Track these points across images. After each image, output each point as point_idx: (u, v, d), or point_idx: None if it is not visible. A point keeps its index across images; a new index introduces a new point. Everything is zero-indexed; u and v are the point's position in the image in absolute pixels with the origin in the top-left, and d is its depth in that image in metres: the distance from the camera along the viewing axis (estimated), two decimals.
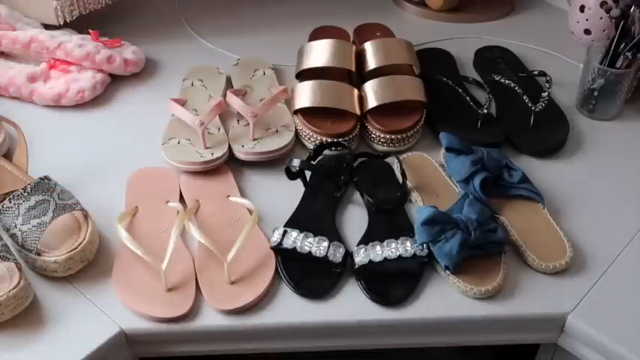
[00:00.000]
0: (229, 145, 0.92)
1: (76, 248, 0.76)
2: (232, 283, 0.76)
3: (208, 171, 0.90)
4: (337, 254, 0.78)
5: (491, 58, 1.14)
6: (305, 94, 0.96)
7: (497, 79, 1.03)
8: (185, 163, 0.89)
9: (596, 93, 1.00)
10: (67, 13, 1.10)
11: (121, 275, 0.77)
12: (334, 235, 0.81)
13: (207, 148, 0.91)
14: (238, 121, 0.96)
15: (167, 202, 0.86)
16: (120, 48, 1.09)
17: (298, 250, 0.78)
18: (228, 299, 0.75)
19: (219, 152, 0.90)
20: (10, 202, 0.79)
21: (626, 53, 0.98)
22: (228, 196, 0.87)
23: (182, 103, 0.99)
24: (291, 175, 0.88)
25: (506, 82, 1.01)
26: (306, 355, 0.80)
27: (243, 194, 0.88)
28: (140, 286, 0.76)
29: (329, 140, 0.92)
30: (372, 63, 1.01)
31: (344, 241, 0.81)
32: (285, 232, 0.80)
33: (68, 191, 0.83)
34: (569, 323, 0.76)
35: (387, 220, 0.84)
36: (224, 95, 1.01)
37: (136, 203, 0.86)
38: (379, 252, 0.78)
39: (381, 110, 0.95)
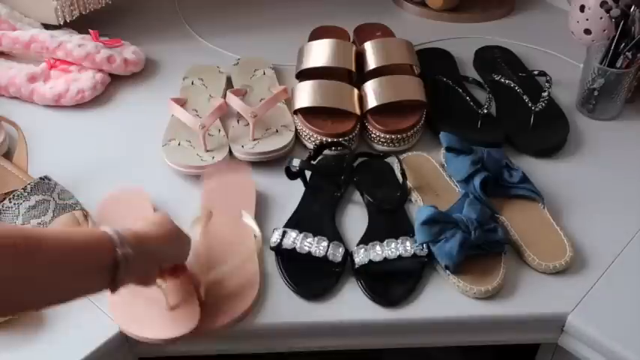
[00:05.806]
0: (230, 148, 0.92)
1: None
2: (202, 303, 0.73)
3: (235, 183, 0.87)
4: (337, 254, 0.78)
5: (491, 58, 1.14)
6: (305, 94, 0.96)
7: (497, 79, 1.03)
8: (186, 166, 0.89)
9: (596, 93, 1.00)
10: (67, 13, 1.10)
11: (120, 304, 0.73)
12: (334, 235, 0.81)
13: (208, 150, 0.91)
14: (238, 121, 0.96)
15: None
16: (120, 48, 1.09)
17: (298, 250, 0.78)
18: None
19: (220, 156, 0.90)
20: (10, 202, 0.79)
21: (626, 53, 0.98)
22: (242, 211, 0.83)
23: (182, 102, 0.99)
24: (291, 175, 0.88)
25: (506, 82, 1.01)
26: (305, 355, 0.80)
27: None
28: (141, 310, 0.72)
29: (329, 140, 0.92)
30: (372, 63, 1.01)
31: (344, 241, 0.81)
32: (284, 232, 0.80)
33: (68, 191, 0.83)
34: (569, 323, 0.75)
35: (387, 220, 0.84)
36: (224, 95, 1.01)
37: None
38: (379, 252, 0.78)
39: (381, 110, 0.95)
